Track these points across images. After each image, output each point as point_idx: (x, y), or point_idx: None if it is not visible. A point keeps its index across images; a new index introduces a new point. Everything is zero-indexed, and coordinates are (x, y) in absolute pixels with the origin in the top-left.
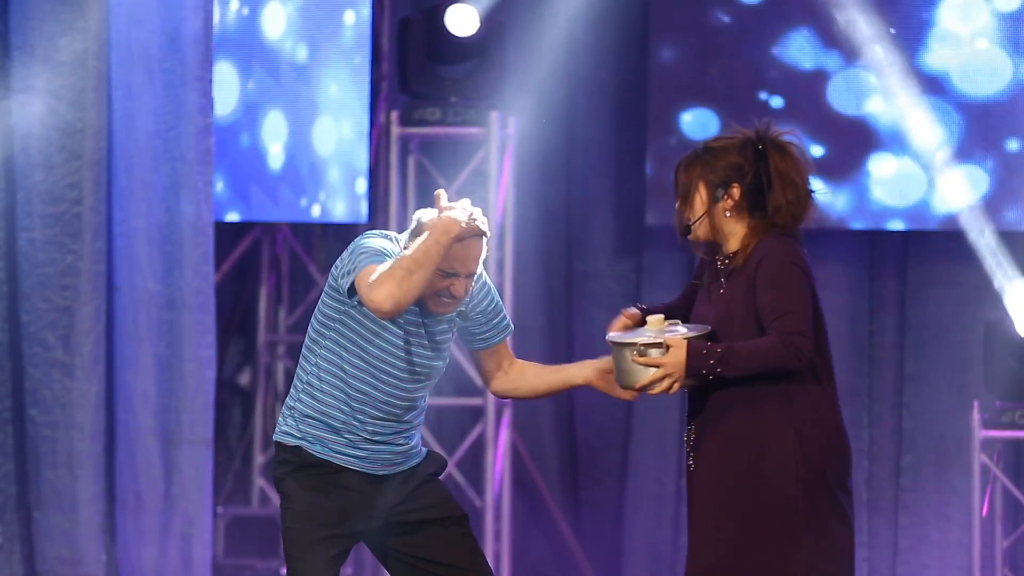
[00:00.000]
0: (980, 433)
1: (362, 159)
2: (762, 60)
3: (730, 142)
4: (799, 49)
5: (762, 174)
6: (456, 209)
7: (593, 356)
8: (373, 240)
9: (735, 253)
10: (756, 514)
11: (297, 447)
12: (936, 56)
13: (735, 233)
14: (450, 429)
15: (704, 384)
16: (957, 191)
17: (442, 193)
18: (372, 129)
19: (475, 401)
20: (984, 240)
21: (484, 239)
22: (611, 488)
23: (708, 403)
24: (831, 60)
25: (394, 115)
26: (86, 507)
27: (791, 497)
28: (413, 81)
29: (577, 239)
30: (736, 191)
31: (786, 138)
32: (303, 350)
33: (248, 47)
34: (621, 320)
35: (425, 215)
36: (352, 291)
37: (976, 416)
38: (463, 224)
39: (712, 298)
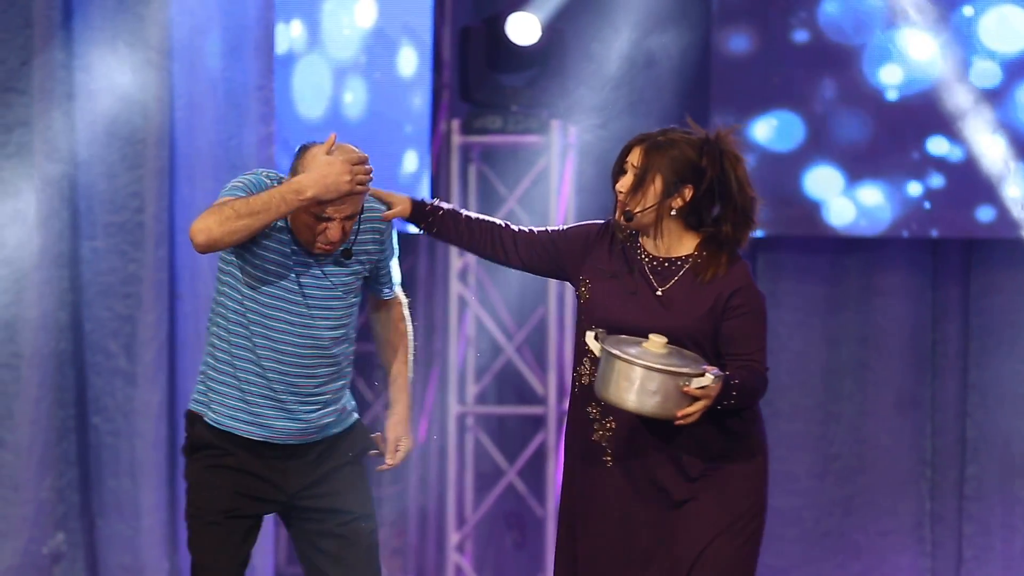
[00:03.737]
0: None
1: (424, 167)
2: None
3: (688, 137)
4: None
5: (718, 181)
6: (339, 154)
7: None
8: (248, 175)
9: (686, 260)
10: (747, 514)
11: (199, 415)
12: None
13: (671, 233)
14: (512, 438)
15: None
16: (1021, 196)
17: (334, 137)
18: (433, 137)
19: (537, 410)
20: None
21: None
22: None
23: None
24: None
25: (455, 124)
26: (148, 515)
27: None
28: (474, 90)
29: None
30: (688, 192)
31: (738, 148)
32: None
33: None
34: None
35: (310, 150)
36: None
37: None
38: (317, 193)
39: (639, 293)
